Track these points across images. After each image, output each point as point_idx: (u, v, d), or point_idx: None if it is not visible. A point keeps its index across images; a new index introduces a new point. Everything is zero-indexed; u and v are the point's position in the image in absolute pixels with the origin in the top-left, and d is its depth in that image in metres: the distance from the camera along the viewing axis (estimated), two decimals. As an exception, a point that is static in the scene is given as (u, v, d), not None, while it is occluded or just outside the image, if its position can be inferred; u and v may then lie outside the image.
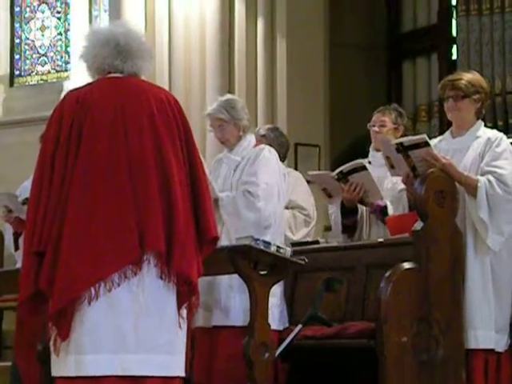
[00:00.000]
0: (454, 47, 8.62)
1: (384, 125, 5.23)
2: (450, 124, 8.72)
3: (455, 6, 8.55)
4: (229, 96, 5.17)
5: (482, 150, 4.53)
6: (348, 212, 5.04)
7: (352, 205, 5.01)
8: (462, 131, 4.64)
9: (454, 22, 8.65)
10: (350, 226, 5.08)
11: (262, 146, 4.94)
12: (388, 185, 5.11)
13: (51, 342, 3.41)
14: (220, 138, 4.90)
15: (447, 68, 8.61)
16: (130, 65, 3.53)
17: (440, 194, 4.41)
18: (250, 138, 4.91)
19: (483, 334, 4.33)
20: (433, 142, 4.71)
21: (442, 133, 8.58)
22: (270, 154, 4.85)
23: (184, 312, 3.47)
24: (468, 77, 4.64)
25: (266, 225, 4.66)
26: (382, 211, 5.01)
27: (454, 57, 8.62)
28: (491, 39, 8.19)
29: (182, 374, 3.48)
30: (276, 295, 4.64)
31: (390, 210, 4.97)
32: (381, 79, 9.18)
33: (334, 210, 5.12)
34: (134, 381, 3.38)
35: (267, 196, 4.68)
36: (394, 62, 9.16)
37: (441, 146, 4.67)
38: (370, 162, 5.24)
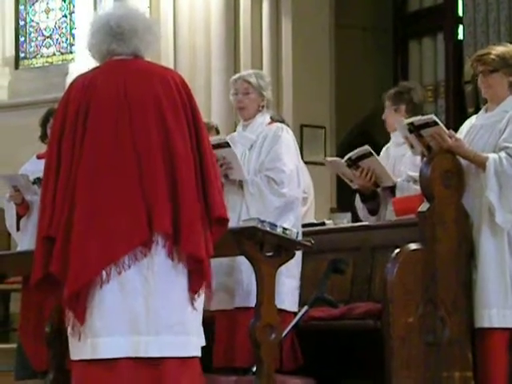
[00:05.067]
0: (461, 27, 8.60)
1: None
2: (456, 104, 8.73)
3: (461, -14, 8.52)
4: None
5: (504, 126, 4.41)
6: (368, 197, 5.01)
7: (367, 190, 4.99)
8: (494, 106, 4.50)
9: (460, 1, 8.62)
10: (374, 209, 5.03)
11: (278, 124, 4.86)
12: (400, 167, 5.07)
13: (69, 326, 3.43)
14: (240, 101, 4.78)
15: (453, 48, 8.60)
16: (126, 46, 3.53)
17: (446, 175, 4.40)
18: (266, 115, 4.84)
19: (497, 313, 4.30)
20: (471, 117, 4.63)
21: (448, 113, 8.63)
22: (288, 134, 4.78)
23: (197, 292, 3.47)
24: (498, 50, 4.48)
25: (290, 209, 4.63)
26: (392, 190, 4.99)
27: (461, 37, 8.60)
28: (498, 19, 8.16)
29: (198, 353, 3.48)
30: (296, 277, 4.62)
31: (397, 190, 4.95)
32: (387, 60, 9.16)
33: (356, 195, 5.11)
34: (150, 363, 3.39)
35: (291, 182, 4.65)
36: (400, 42, 9.14)
37: (476, 121, 4.55)
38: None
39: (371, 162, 4.92)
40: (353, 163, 4.96)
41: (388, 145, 5.25)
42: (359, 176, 4.92)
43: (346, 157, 5.00)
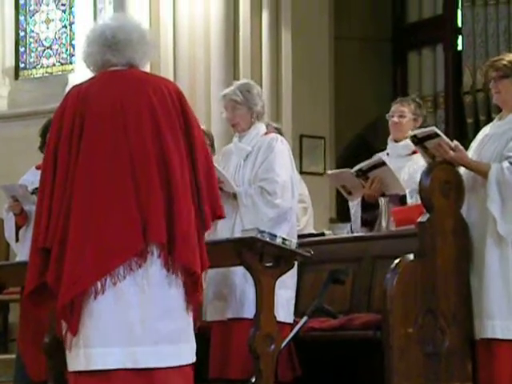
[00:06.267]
0: (460, 38, 8.61)
1: (403, 115, 5.18)
2: (455, 115, 8.74)
3: (460, -3, 8.54)
4: (246, 80, 5.11)
5: (511, 135, 4.39)
6: (369, 206, 5.01)
7: (373, 200, 4.98)
8: (507, 114, 4.49)
9: (459, 12, 8.63)
10: (370, 220, 5.04)
11: (273, 135, 4.86)
12: (405, 176, 5.08)
13: (63, 337, 3.43)
14: (231, 120, 4.81)
15: (452, 59, 8.61)
16: (121, 56, 3.54)
17: (445, 185, 4.40)
18: (260, 126, 4.83)
19: (502, 324, 4.27)
20: (487, 126, 4.62)
21: (447, 124, 8.64)
22: (283, 145, 4.77)
23: (191, 303, 3.47)
24: (511, 57, 4.47)
25: (283, 220, 4.63)
26: (401, 200, 4.99)
27: (460, 47, 8.61)
28: (497, 30, 8.17)
29: (193, 359, 3.48)
30: (290, 288, 4.62)
31: (409, 199, 4.94)
32: (386, 70, 9.16)
33: (354, 205, 5.09)
34: (144, 372, 3.39)
35: (284, 192, 4.64)
36: (400, 53, 9.15)
37: (489, 130, 4.53)
38: (388, 154, 5.21)
39: (383, 172, 4.91)
40: (363, 174, 4.96)
41: (379, 154, 5.23)
42: (369, 186, 4.91)
43: (357, 167, 4.98)
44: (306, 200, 5.69)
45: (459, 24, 8.61)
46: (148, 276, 3.40)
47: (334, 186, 5.12)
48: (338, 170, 5.31)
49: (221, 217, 3.62)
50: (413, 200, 4.93)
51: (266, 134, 4.85)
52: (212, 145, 5.76)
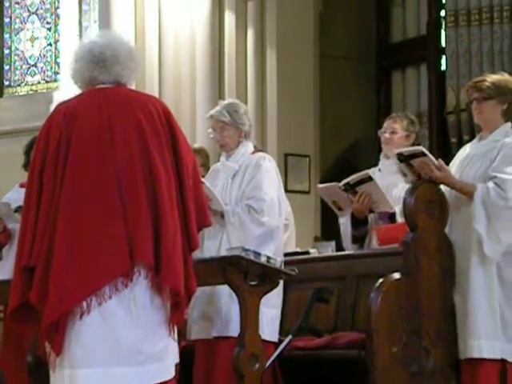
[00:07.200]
0: (444, 58, 8.66)
1: (395, 131, 5.18)
2: (439, 134, 8.78)
3: (444, 17, 8.59)
4: (232, 100, 5.11)
5: (495, 155, 4.41)
6: (358, 223, 5.01)
7: (362, 216, 4.98)
8: (488, 134, 4.50)
9: (443, 32, 8.69)
10: (360, 236, 5.03)
11: (261, 154, 4.88)
12: (397, 193, 5.08)
13: (48, 357, 3.41)
14: (220, 140, 4.83)
15: (436, 78, 8.65)
16: (108, 73, 3.54)
17: (429, 204, 4.42)
18: (248, 145, 4.85)
19: (487, 344, 4.27)
20: (466, 146, 4.64)
21: (431, 143, 8.67)
22: (270, 163, 4.79)
23: (176, 324, 3.47)
24: (493, 78, 4.50)
25: (270, 238, 4.63)
26: (391, 218, 4.99)
27: (444, 67, 8.65)
28: (480, 50, 8.22)
29: (173, 373, 3.48)
30: (277, 307, 4.62)
31: (399, 218, 4.94)
32: (370, 90, 9.20)
33: (344, 221, 5.09)
34: None
35: (271, 210, 4.64)
36: (384, 72, 9.19)
37: (469, 150, 4.55)
38: (379, 170, 5.23)
39: (370, 187, 4.91)
40: (350, 188, 4.95)
41: (370, 170, 5.25)
42: (357, 201, 4.91)
43: (344, 181, 4.98)
44: (288, 217, 5.71)
45: (443, 44, 8.66)
46: (134, 296, 3.39)
47: (325, 200, 5.09)
48: (326, 184, 5.31)
49: (208, 224, 3.61)
50: (403, 218, 4.92)
51: (253, 152, 4.87)
52: (205, 163, 5.77)
